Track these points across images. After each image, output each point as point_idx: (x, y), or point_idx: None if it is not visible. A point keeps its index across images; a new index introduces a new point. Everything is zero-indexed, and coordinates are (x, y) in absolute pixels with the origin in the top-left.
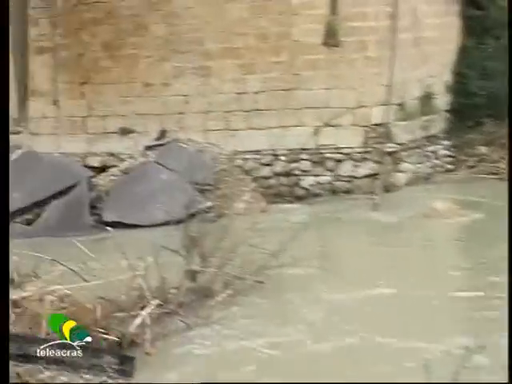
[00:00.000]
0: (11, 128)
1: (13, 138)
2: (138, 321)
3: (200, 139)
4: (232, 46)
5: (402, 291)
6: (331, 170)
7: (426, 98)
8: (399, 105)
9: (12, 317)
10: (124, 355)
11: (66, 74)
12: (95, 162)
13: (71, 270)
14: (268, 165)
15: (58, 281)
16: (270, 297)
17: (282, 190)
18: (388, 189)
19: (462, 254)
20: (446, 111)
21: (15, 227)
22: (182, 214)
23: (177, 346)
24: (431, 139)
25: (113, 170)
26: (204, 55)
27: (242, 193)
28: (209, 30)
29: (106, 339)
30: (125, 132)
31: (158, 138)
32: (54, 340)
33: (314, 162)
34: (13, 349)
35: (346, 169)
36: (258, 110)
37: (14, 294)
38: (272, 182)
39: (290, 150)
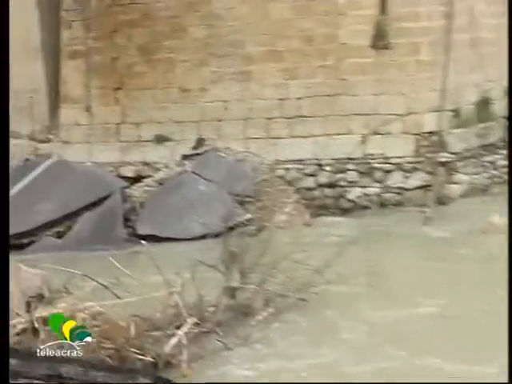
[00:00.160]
0: (42, 136)
1: (43, 147)
2: (173, 340)
3: (240, 148)
4: (274, 48)
5: (451, 310)
6: (379, 181)
7: (483, 104)
8: (454, 111)
9: (42, 335)
10: (159, 376)
11: (100, 80)
12: (129, 171)
13: (103, 285)
14: (312, 175)
15: (90, 297)
16: (313, 315)
17: (327, 202)
18: (441, 201)
19: None
20: (505, 118)
21: (45, 240)
22: (221, 226)
23: (214, 367)
24: (489, 148)
25: (147, 181)
26: (244, 59)
27: (283, 205)
28: (250, 32)
29: (140, 359)
30: (160, 140)
31: (196, 147)
32: (85, 361)
33: (361, 173)
34: (43, 369)
35: (396, 180)
36: (301, 116)
37: (44, 311)
38: (316, 193)
39: (335, 159)
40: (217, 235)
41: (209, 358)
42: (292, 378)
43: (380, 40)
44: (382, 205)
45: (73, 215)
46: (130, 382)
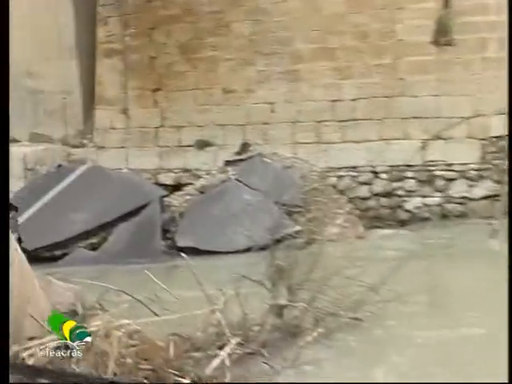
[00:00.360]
0: (75, 140)
1: (76, 152)
2: (216, 362)
3: (287, 153)
4: (325, 46)
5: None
6: (441, 191)
7: None
8: None
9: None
10: None
11: (137, 80)
12: (168, 179)
13: (140, 302)
14: (366, 183)
15: (126, 315)
16: (366, 336)
17: (383, 212)
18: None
19: None
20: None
21: (79, 252)
22: (267, 239)
23: None
24: None
25: (188, 189)
26: (293, 57)
27: (335, 216)
28: (299, 28)
29: (179, 382)
30: (202, 145)
31: (240, 152)
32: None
33: (420, 181)
34: None
35: (459, 189)
36: (354, 119)
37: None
38: (371, 203)
39: (392, 166)
40: (262, 248)
41: (254, 380)
42: None
43: (442, 36)
44: (444, 216)
45: (108, 226)
46: None
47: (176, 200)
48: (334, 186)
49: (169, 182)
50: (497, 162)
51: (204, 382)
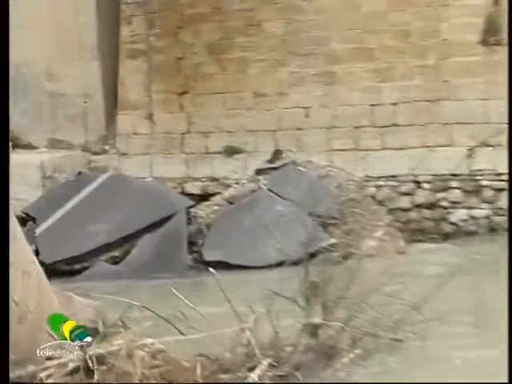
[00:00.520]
0: (97, 147)
1: (98, 159)
2: None
3: (322, 161)
4: (364, 46)
5: None
6: (489, 202)
7: None
8: None
9: (97, 375)
10: None
11: (163, 83)
12: (195, 188)
13: (165, 319)
14: (407, 194)
15: (150, 333)
16: (408, 358)
17: (425, 225)
18: None
19: None
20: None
21: (100, 266)
22: (300, 253)
23: None
24: None
25: (216, 199)
26: (329, 58)
27: (374, 228)
28: (335, 27)
29: None
30: (231, 152)
31: (272, 160)
32: None
33: (466, 192)
34: None
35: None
36: (395, 125)
37: (99, 348)
38: (412, 215)
39: (435, 175)
40: (296, 263)
41: None
42: None
43: (491, 35)
44: (492, 230)
45: (131, 238)
46: None
47: (203, 211)
48: (373, 197)
49: (195, 191)
50: None
51: None
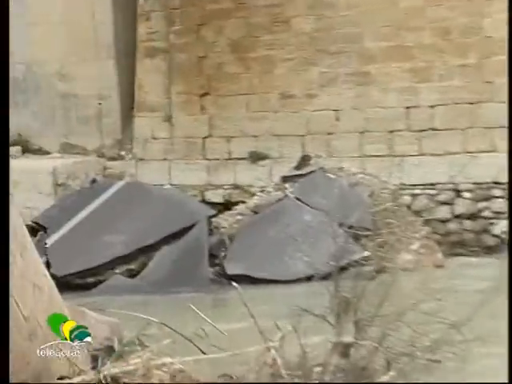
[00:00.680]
0: (112, 152)
1: (113, 165)
2: None
3: (354, 168)
4: (400, 44)
5: None
6: None
7: None
8: None
9: None
10: None
11: (183, 83)
12: (217, 196)
13: (185, 337)
14: (446, 203)
15: (169, 352)
16: (447, 381)
17: (466, 237)
18: None
19: None
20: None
21: (115, 280)
22: (330, 266)
23: None
24: None
25: (239, 208)
26: (362, 57)
27: (410, 241)
28: (369, 24)
29: None
30: (256, 158)
31: (299, 166)
32: None
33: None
34: None
35: None
36: (433, 129)
37: (115, 367)
38: (452, 226)
39: (477, 183)
40: (325, 277)
41: None
42: None
43: None
44: None
45: (148, 250)
46: None
47: (226, 221)
48: (409, 207)
49: (217, 199)
50: None
51: None
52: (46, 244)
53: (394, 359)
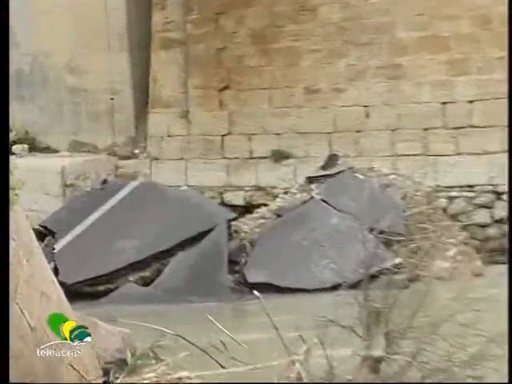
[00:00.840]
0: (125, 150)
1: (126, 165)
2: None
3: (385, 168)
4: (435, 34)
5: None
6: None
7: None
8: None
9: None
10: None
11: (201, 76)
12: (237, 198)
13: (202, 350)
14: (486, 207)
15: (185, 365)
16: None
17: (506, 243)
18: None
19: None
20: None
21: (127, 288)
22: (359, 274)
23: None
24: None
25: (261, 211)
26: (393, 48)
27: (446, 247)
28: (401, 12)
29: None
30: (279, 157)
31: (326, 166)
32: None
33: None
34: None
35: None
36: (471, 126)
37: (127, 382)
38: (491, 231)
39: None
40: (354, 286)
41: None
42: None
43: None
44: None
45: (163, 255)
46: None
47: (246, 224)
48: (445, 210)
49: (238, 202)
50: None
51: None
52: (53, 249)
53: (429, 375)
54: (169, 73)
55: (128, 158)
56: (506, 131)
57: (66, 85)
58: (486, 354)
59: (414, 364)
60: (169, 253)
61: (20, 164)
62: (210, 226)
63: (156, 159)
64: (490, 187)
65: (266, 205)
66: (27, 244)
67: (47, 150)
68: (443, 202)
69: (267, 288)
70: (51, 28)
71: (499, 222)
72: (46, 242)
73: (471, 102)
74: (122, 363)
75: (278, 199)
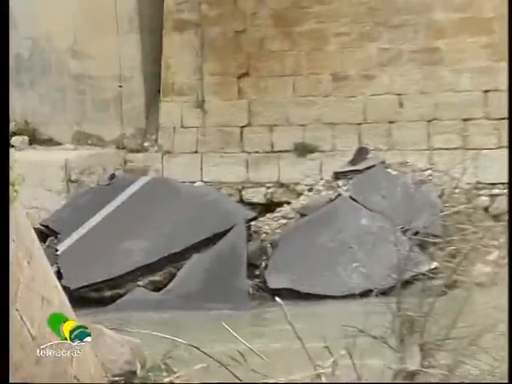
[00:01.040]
0: (134, 143)
1: (136, 158)
2: None
3: (421, 163)
4: (476, 15)
5: None
6: None
7: None
8: None
9: None
10: None
11: (217, 62)
12: (257, 196)
13: (218, 362)
14: None
15: (200, 378)
16: None
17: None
18: None
19: None
20: None
21: (137, 293)
22: (392, 279)
23: None
24: None
25: (284, 210)
26: (430, 31)
27: (487, 250)
28: None
29: None
30: (303, 150)
31: (355, 161)
32: None
33: None
34: None
35: None
36: None
37: None
38: None
39: None
40: (385, 292)
41: None
42: None
43: None
44: None
45: (176, 258)
46: None
47: (267, 224)
48: (486, 209)
49: (258, 199)
50: None
51: None
52: (56, 251)
53: None
54: (182, 58)
55: (137, 151)
56: None
57: (69, 70)
58: None
59: (451, 378)
60: (182, 255)
61: (19, 157)
62: (228, 225)
63: (168, 152)
64: None
65: (288, 203)
66: (28, 245)
67: (49, 142)
68: (484, 200)
69: (290, 294)
70: (53, 9)
71: None
72: (47, 242)
73: None
74: (131, 376)
75: (301, 197)
